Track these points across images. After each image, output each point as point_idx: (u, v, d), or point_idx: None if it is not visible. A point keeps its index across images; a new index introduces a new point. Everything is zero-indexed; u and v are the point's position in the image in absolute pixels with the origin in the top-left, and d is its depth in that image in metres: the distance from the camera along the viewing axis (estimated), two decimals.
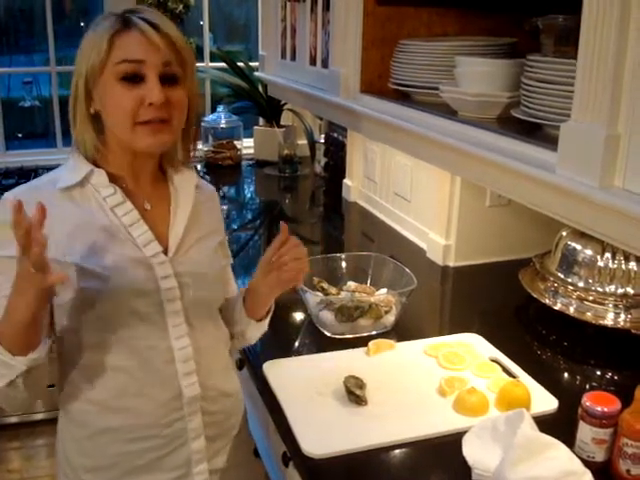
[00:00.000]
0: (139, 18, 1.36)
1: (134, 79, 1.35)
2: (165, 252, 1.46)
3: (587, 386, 1.83)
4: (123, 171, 1.46)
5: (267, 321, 1.71)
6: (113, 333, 1.42)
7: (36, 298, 1.24)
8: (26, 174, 3.84)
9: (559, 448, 1.39)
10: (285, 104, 4.09)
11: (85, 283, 1.37)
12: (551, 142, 1.27)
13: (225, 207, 3.33)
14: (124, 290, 1.39)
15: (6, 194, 1.41)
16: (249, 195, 3.79)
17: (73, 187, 1.42)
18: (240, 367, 2.01)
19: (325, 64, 2.31)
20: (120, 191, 1.44)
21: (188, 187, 1.56)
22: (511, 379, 1.75)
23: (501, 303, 2.29)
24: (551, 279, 2.13)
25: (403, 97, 1.93)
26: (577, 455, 1.46)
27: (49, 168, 3.96)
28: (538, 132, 1.39)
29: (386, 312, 2.04)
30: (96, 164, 1.45)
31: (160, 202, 1.51)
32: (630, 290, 2.00)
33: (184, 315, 1.47)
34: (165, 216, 1.50)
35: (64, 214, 1.39)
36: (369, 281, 2.23)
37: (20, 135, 4.44)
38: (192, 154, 1.58)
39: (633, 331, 1.94)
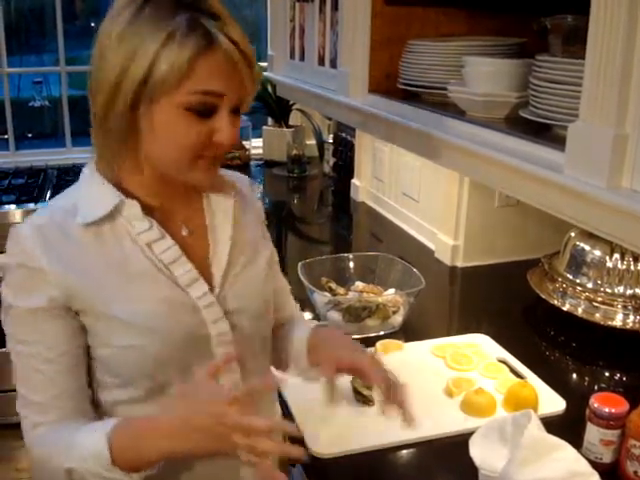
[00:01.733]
0: (222, 33, 1.11)
1: (206, 112, 1.13)
2: (210, 289, 1.27)
3: (595, 387, 1.83)
4: (156, 196, 1.26)
5: None
6: (156, 387, 1.24)
7: (207, 453, 1.12)
8: (36, 174, 3.86)
9: (566, 449, 1.38)
10: (294, 104, 4.09)
11: (123, 338, 1.20)
12: (559, 142, 1.26)
13: None
14: (170, 341, 1.22)
15: (19, 228, 1.21)
16: (258, 195, 3.79)
17: (100, 221, 1.20)
18: None
19: (333, 64, 2.31)
20: (157, 225, 1.23)
21: (225, 203, 1.35)
22: (519, 380, 1.75)
23: (509, 304, 2.28)
24: (560, 280, 2.12)
25: (411, 97, 1.92)
26: (584, 456, 1.45)
27: (58, 168, 3.97)
28: (546, 132, 1.38)
29: (394, 312, 2.04)
30: (119, 184, 1.23)
31: (196, 224, 1.31)
32: (639, 291, 1.99)
33: (246, 362, 1.31)
34: (203, 241, 1.30)
35: (90, 256, 1.19)
36: (377, 281, 2.23)
37: (30, 135, 4.45)
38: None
39: None
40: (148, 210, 1.23)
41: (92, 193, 1.23)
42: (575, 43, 1.30)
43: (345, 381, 1.71)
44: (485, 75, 1.59)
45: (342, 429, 1.58)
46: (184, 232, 1.28)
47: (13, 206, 3.39)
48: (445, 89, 1.71)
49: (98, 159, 1.24)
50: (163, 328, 1.21)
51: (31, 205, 3.40)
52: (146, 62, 1.09)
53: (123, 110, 1.13)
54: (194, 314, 1.24)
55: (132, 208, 1.21)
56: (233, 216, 1.34)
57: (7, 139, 4.15)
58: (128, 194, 1.22)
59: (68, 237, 1.18)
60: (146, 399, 1.24)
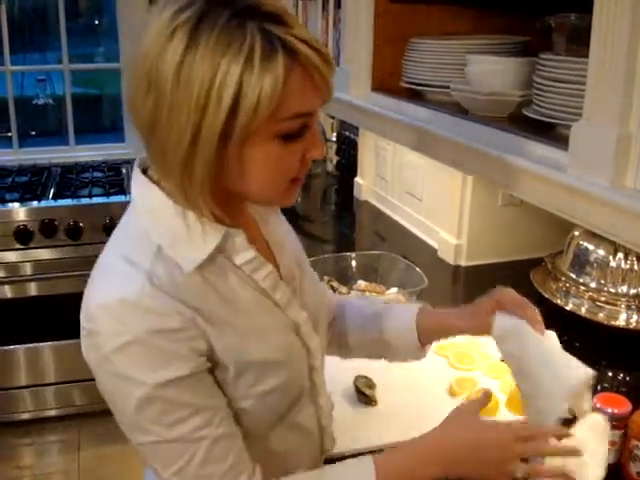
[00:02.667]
0: (299, 40, 0.94)
1: (299, 133, 1.00)
2: None
3: (598, 387, 1.82)
4: (238, 221, 1.10)
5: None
6: (281, 420, 1.17)
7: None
8: (39, 172, 3.86)
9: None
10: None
11: (266, 381, 1.09)
12: (563, 141, 1.26)
13: None
14: (296, 369, 1.16)
15: (116, 294, 0.98)
16: None
17: (203, 263, 1.03)
18: None
19: (337, 62, 2.30)
20: (257, 253, 1.11)
21: (267, 212, 1.25)
22: None
23: None
24: (563, 279, 2.12)
25: (415, 95, 1.92)
26: None
27: (62, 166, 3.96)
28: (550, 131, 1.38)
29: None
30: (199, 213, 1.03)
31: (257, 238, 1.18)
32: None
33: (321, 369, 1.26)
34: (270, 255, 1.19)
35: (209, 302, 1.04)
36: (379, 280, 2.22)
37: (33, 133, 4.45)
38: None
39: None
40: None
41: (182, 230, 1.03)
42: (579, 42, 1.29)
43: (348, 381, 1.71)
44: (488, 73, 1.58)
45: (344, 429, 1.58)
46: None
47: (17, 204, 3.39)
48: (449, 87, 1.70)
49: (191, 206, 1.02)
50: (292, 358, 1.14)
51: (34, 203, 3.40)
52: (228, 96, 0.91)
53: (208, 162, 0.95)
54: (298, 333, 1.16)
55: (238, 237, 1.07)
56: (273, 223, 1.25)
57: (11, 137, 4.15)
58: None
59: (179, 287, 1.01)
60: (264, 435, 1.16)
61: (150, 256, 1.01)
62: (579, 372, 1.14)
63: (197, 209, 1.01)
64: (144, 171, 1.08)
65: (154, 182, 1.05)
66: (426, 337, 1.36)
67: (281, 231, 1.27)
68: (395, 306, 1.50)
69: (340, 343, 1.46)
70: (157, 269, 1.00)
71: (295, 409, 1.18)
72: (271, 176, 1.01)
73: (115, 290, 0.99)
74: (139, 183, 1.07)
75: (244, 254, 1.08)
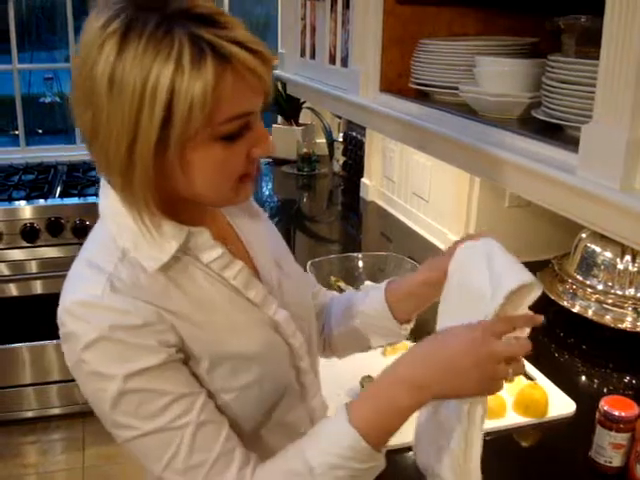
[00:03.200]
0: (233, 42, 0.93)
1: (240, 133, 1.00)
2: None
3: (605, 390, 1.82)
4: (199, 221, 1.11)
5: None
6: (269, 418, 1.17)
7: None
8: (46, 170, 3.87)
9: None
10: (304, 102, 4.09)
11: (243, 376, 1.09)
12: (572, 143, 1.25)
13: None
14: (276, 367, 1.15)
15: (85, 295, 1.01)
16: (267, 193, 3.79)
17: (167, 263, 1.05)
18: None
19: (345, 63, 2.30)
20: (226, 250, 1.12)
21: (246, 208, 1.27)
22: (529, 382, 1.74)
23: None
24: (570, 281, 2.12)
25: (423, 97, 1.92)
26: (594, 459, 1.46)
27: (68, 164, 3.97)
28: (559, 133, 1.38)
29: None
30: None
31: (229, 236, 1.21)
32: None
33: (311, 365, 1.25)
34: (244, 254, 1.20)
35: (176, 301, 1.05)
36: None
37: (40, 131, 4.46)
38: None
39: None
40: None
41: (143, 233, 1.04)
42: (589, 44, 1.29)
43: (354, 382, 1.71)
44: (498, 75, 1.58)
45: None
46: (228, 249, 1.15)
47: (23, 202, 3.40)
48: (457, 88, 1.70)
49: (133, 204, 1.02)
50: (271, 354, 1.13)
51: (41, 201, 3.41)
52: (159, 106, 0.91)
53: (147, 171, 0.96)
54: (277, 331, 1.16)
55: (202, 236, 1.09)
56: (250, 217, 1.27)
57: (18, 135, 4.16)
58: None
59: (142, 287, 1.03)
60: (254, 433, 1.16)
61: (114, 260, 1.04)
62: (523, 275, 1.09)
63: (147, 213, 1.02)
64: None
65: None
66: (400, 311, 1.34)
67: (257, 230, 1.27)
68: (369, 288, 1.47)
69: (328, 341, 1.45)
70: (121, 272, 1.02)
71: (282, 408, 1.18)
72: (217, 179, 1.02)
73: (78, 294, 1.02)
74: (104, 190, 1.09)
75: (210, 252, 1.10)
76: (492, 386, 1.04)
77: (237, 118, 0.98)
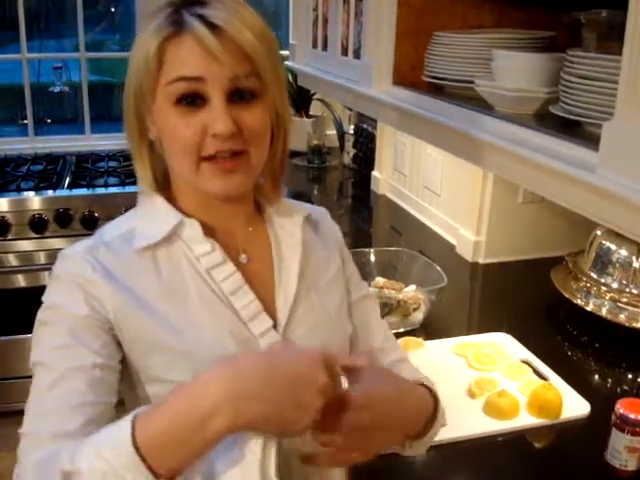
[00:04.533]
0: (195, 16, 1.03)
1: (194, 102, 1.04)
2: (274, 325, 1.13)
3: (619, 390, 1.79)
4: (215, 217, 1.15)
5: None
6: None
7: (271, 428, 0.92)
8: (54, 160, 3.85)
9: None
10: (315, 94, 4.07)
11: (181, 372, 1.04)
12: (591, 140, 1.22)
13: None
14: None
15: (68, 249, 1.12)
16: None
17: (156, 245, 1.10)
18: None
19: (357, 55, 2.27)
20: (219, 248, 1.12)
21: (293, 228, 1.22)
22: (542, 382, 1.71)
23: (532, 302, 2.25)
24: (584, 279, 2.09)
25: (436, 90, 1.89)
26: (609, 463, 1.43)
27: (77, 155, 3.95)
28: (576, 129, 1.35)
29: (414, 309, 2.01)
30: (175, 204, 1.15)
31: (259, 252, 1.19)
32: None
33: None
34: (267, 271, 1.17)
35: (145, 282, 1.08)
36: (398, 277, 2.20)
37: (49, 120, 4.44)
38: (280, 190, 1.24)
39: None
40: (208, 231, 1.13)
41: (150, 215, 1.14)
42: (610, 39, 1.26)
43: None
44: (515, 69, 1.55)
45: None
46: (242, 259, 1.16)
47: (32, 193, 3.38)
48: (472, 82, 1.67)
49: (148, 181, 1.15)
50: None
51: (50, 192, 3.39)
52: (135, 71, 1.08)
53: (135, 124, 1.11)
54: (253, 349, 1.09)
55: (192, 228, 1.12)
56: (302, 245, 1.20)
57: (27, 124, 4.14)
58: (185, 214, 1.13)
59: (122, 262, 1.08)
60: None
61: (117, 233, 1.13)
62: None
63: (166, 192, 1.15)
64: None
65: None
66: None
67: (322, 264, 1.24)
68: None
69: None
70: (113, 242, 1.11)
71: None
72: (174, 147, 1.07)
73: (67, 249, 1.12)
74: (141, 187, 1.19)
75: (200, 246, 1.11)
76: (296, 414, 0.91)
77: (180, 80, 1.03)
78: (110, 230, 1.14)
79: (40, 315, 1.09)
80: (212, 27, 1.02)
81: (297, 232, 1.21)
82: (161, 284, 1.08)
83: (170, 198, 1.15)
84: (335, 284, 1.26)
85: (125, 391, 1.13)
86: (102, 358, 1.04)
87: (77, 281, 1.06)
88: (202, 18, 1.03)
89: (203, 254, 1.11)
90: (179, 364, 1.06)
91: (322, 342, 1.14)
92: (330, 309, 1.22)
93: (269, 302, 1.14)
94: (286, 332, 1.13)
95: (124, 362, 1.09)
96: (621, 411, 1.42)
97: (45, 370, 1.05)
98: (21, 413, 1.04)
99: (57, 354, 1.05)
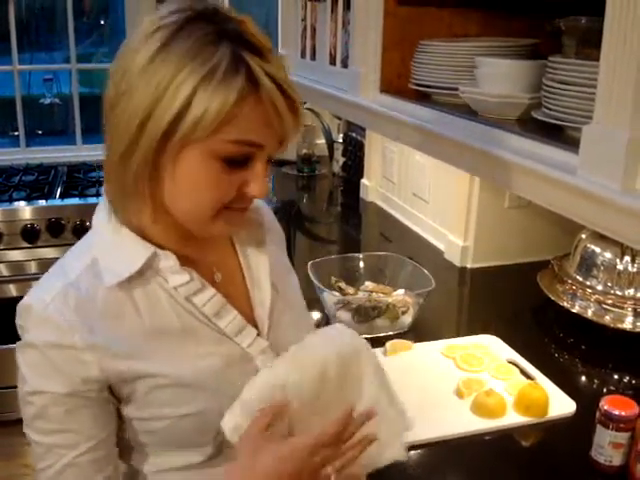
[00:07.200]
0: (266, 73, 0.96)
1: (243, 163, 1.00)
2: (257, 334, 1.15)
3: (605, 390, 1.82)
4: (183, 244, 1.11)
5: None
6: (216, 451, 1.13)
7: None
8: (46, 171, 3.86)
9: None
10: (304, 103, 4.08)
11: (182, 405, 1.07)
12: (572, 144, 1.26)
13: None
14: (231, 398, 1.07)
15: (36, 300, 1.05)
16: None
17: (129, 280, 1.05)
18: None
19: (345, 64, 2.31)
20: (197, 277, 1.10)
21: (256, 236, 1.23)
22: (529, 381, 1.74)
23: (519, 305, 2.28)
24: (569, 282, 2.12)
25: (423, 97, 1.92)
26: (593, 458, 1.46)
27: (69, 165, 3.95)
28: (559, 134, 1.38)
29: (403, 313, 2.04)
30: (142, 233, 1.08)
31: (228, 265, 1.19)
32: None
33: None
34: (240, 284, 1.19)
35: (127, 321, 1.05)
36: (387, 282, 2.23)
37: (40, 132, 4.46)
38: None
39: None
40: (182, 259, 1.09)
41: (115, 246, 1.07)
42: (589, 45, 1.29)
43: None
44: (498, 76, 1.59)
45: None
46: (217, 278, 1.15)
47: (23, 203, 3.40)
48: (456, 89, 1.70)
49: (114, 208, 1.07)
50: (224, 386, 1.09)
51: (42, 202, 3.41)
52: (179, 101, 0.93)
53: (146, 156, 0.97)
54: (248, 364, 1.12)
55: (168, 261, 1.07)
56: (266, 251, 1.22)
57: (18, 136, 4.15)
58: (155, 245, 1.08)
59: (97, 305, 1.04)
60: (205, 464, 1.12)
61: (81, 267, 1.06)
62: None
63: (132, 221, 1.06)
64: None
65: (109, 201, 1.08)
66: None
67: (277, 263, 1.26)
68: None
69: None
70: (81, 282, 1.05)
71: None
72: (198, 195, 1.01)
73: (31, 295, 1.06)
74: (100, 205, 1.14)
75: (177, 277, 1.08)
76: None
77: (242, 144, 0.98)
78: (71, 263, 1.08)
79: (23, 395, 1.07)
80: (284, 94, 0.98)
81: (261, 242, 1.23)
82: (143, 322, 1.06)
83: (132, 228, 1.08)
84: (289, 277, 1.31)
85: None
86: (95, 439, 1.07)
87: (56, 355, 1.02)
88: (276, 82, 0.97)
89: (181, 284, 1.08)
90: (181, 397, 1.07)
91: (298, 335, 1.15)
92: (294, 302, 1.28)
93: (248, 312, 1.17)
94: (270, 337, 1.17)
95: (121, 413, 1.10)
96: (605, 408, 1.45)
97: (42, 451, 1.08)
98: (17, 422, 1.07)
99: (51, 439, 1.07)
